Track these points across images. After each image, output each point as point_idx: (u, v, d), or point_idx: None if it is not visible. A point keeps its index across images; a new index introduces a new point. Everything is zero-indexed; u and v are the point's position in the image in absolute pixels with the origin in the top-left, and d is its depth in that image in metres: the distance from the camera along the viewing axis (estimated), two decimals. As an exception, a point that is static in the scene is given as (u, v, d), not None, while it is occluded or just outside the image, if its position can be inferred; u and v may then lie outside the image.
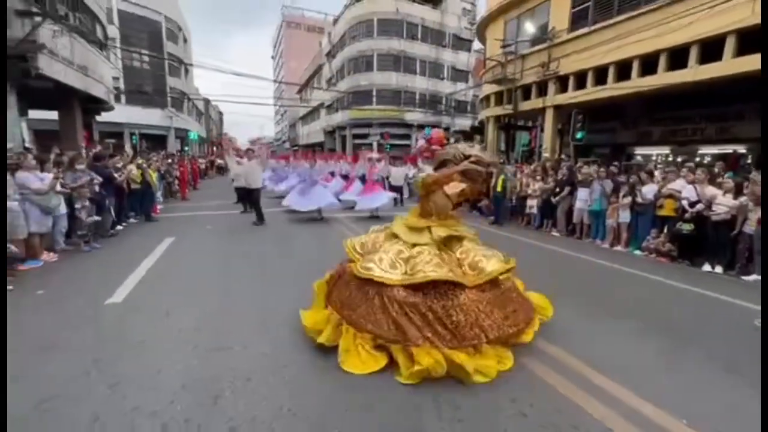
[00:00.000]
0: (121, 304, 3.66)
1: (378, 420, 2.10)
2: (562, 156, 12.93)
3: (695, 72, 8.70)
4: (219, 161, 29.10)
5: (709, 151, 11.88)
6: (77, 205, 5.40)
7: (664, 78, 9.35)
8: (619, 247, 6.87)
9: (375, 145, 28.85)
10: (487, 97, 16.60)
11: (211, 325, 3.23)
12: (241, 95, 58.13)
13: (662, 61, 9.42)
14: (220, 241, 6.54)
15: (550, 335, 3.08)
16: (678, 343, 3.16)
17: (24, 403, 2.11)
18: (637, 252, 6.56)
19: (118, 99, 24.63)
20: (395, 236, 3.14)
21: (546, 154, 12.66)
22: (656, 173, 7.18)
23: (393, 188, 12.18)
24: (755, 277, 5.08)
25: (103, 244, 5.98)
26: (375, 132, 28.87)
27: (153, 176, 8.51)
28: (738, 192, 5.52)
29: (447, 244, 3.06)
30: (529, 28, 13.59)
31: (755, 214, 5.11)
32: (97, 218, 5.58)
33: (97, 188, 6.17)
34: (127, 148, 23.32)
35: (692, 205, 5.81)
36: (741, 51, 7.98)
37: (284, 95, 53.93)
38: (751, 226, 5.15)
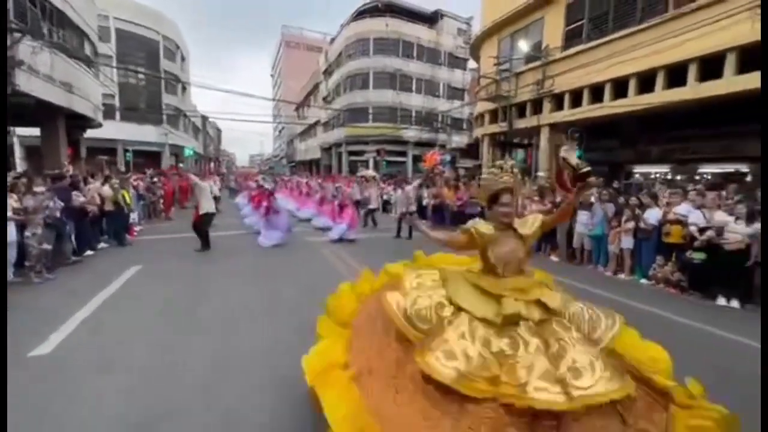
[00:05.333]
0: (47, 356, 3.12)
1: None
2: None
3: (695, 90, 8.42)
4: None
5: (710, 170, 11.55)
6: (27, 233, 4.90)
7: (662, 96, 9.08)
8: (622, 275, 6.38)
9: (371, 162, 28.66)
10: (481, 115, 16.41)
11: (149, 385, 2.69)
12: (241, 113, 58.33)
13: (660, 79, 9.17)
14: (189, 269, 6.00)
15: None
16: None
17: None
18: (643, 281, 6.07)
19: (112, 116, 24.58)
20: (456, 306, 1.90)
21: (541, 174, 12.30)
22: (660, 195, 6.77)
23: (367, 210, 11.61)
24: (777, 314, 4.57)
25: (61, 274, 5.45)
26: (371, 149, 28.71)
27: (127, 197, 8.04)
28: (751, 218, 5.09)
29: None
30: (523, 46, 13.47)
31: (773, 243, 4.66)
32: (47, 247, 5.06)
33: (58, 213, 5.71)
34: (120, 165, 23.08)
35: (702, 231, 5.36)
36: (742, 68, 7.71)
37: (282, 112, 54.26)
38: (769, 257, 4.68)
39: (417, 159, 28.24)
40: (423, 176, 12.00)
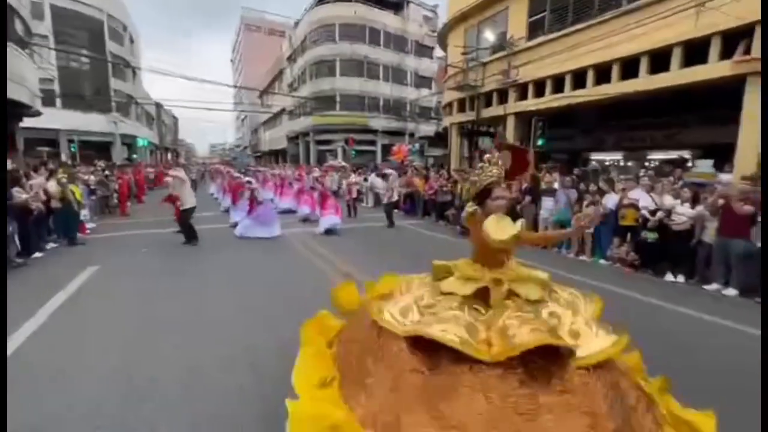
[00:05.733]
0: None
1: None
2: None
3: (647, 82, 8.99)
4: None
5: (657, 156, 12.49)
6: (-38, 235, 4.40)
7: (617, 87, 9.62)
8: (584, 257, 6.81)
9: (340, 151, 28.27)
10: (449, 104, 16.59)
11: (114, 399, 2.53)
12: (199, 100, 54.79)
13: (615, 71, 9.70)
14: (154, 270, 5.65)
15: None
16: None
17: None
18: (602, 261, 6.52)
19: (52, 103, 22.35)
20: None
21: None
22: (616, 181, 7.25)
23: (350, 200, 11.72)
24: (715, 286, 5.11)
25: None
26: (339, 138, 28.29)
27: (77, 192, 7.41)
28: (695, 201, 5.59)
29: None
30: (489, 36, 13.70)
31: (713, 224, 5.16)
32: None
33: (-4, 211, 5.16)
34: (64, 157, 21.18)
35: (653, 213, 5.82)
36: (687, 62, 8.32)
37: (245, 100, 51.95)
38: (710, 235, 5.18)
39: (386, 148, 28.22)
40: (396, 167, 12.13)
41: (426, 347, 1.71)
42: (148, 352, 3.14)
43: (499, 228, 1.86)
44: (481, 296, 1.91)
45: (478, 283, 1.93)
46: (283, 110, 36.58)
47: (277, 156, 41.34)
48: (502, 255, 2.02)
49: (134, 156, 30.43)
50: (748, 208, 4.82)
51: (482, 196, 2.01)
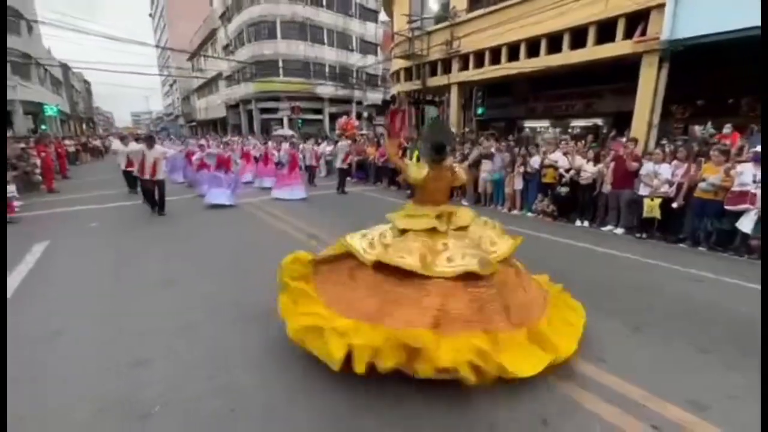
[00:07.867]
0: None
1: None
2: (465, 129, 14.11)
3: (567, 56, 10.15)
4: (94, 142, 24.49)
5: (578, 124, 14.19)
6: None
7: (545, 60, 10.69)
8: (515, 211, 7.96)
9: (285, 120, 27.34)
10: (397, 72, 16.87)
11: (121, 339, 2.89)
12: (116, 62, 47.24)
13: (543, 45, 10.72)
14: (112, 240, 5.64)
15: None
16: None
17: None
18: (529, 214, 7.70)
19: None
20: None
21: (454, 129, 13.59)
22: (541, 145, 8.39)
23: (306, 167, 11.99)
24: (609, 227, 6.46)
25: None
26: (284, 107, 27.23)
27: None
28: (597, 160, 6.83)
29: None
30: (433, 5, 14.01)
31: (609, 178, 6.43)
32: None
33: None
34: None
35: (568, 171, 6.99)
36: (599, 40, 9.53)
37: (172, 63, 46.67)
38: (606, 187, 6.47)
39: (333, 117, 27.83)
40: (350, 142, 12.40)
41: (387, 271, 2.56)
42: (128, 305, 3.45)
43: (417, 171, 2.86)
44: (431, 229, 2.72)
45: (430, 218, 2.71)
46: (219, 75, 33.80)
47: (216, 126, 38.55)
48: (441, 197, 2.91)
49: (43, 127, 26.56)
50: (635, 165, 6.09)
51: None
